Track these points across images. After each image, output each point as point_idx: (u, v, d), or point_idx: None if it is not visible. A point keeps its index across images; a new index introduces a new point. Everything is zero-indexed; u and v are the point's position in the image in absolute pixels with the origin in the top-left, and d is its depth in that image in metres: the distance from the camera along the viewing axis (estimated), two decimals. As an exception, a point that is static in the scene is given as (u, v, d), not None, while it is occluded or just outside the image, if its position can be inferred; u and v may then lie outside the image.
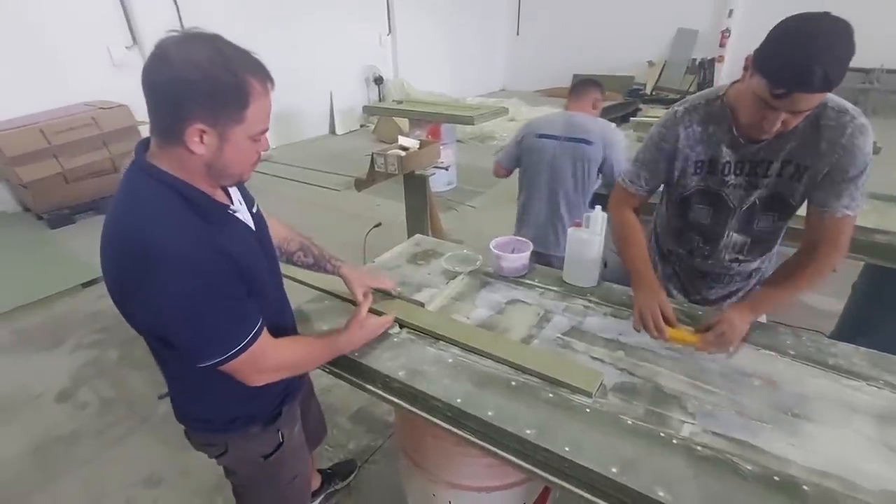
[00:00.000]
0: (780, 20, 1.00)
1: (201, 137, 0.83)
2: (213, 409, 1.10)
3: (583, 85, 2.26)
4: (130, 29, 5.28)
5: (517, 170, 2.34)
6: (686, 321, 1.31)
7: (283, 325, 1.16)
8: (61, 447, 2.16)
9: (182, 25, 5.76)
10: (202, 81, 0.79)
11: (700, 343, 1.18)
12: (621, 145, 2.16)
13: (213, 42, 0.81)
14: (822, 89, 0.96)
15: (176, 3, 5.55)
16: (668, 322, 1.21)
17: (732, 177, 1.27)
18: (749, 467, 0.88)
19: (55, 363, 2.70)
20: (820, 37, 0.94)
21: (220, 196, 0.98)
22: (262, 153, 0.96)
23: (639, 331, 1.25)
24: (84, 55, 4.99)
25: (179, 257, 0.83)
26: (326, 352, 1.16)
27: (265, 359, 0.99)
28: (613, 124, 2.29)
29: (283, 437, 1.20)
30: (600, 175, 2.17)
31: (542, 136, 2.17)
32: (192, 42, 0.80)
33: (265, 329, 0.99)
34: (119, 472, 2.03)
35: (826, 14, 0.97)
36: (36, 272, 3.65)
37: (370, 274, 1.44)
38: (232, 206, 0.99)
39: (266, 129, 0.90)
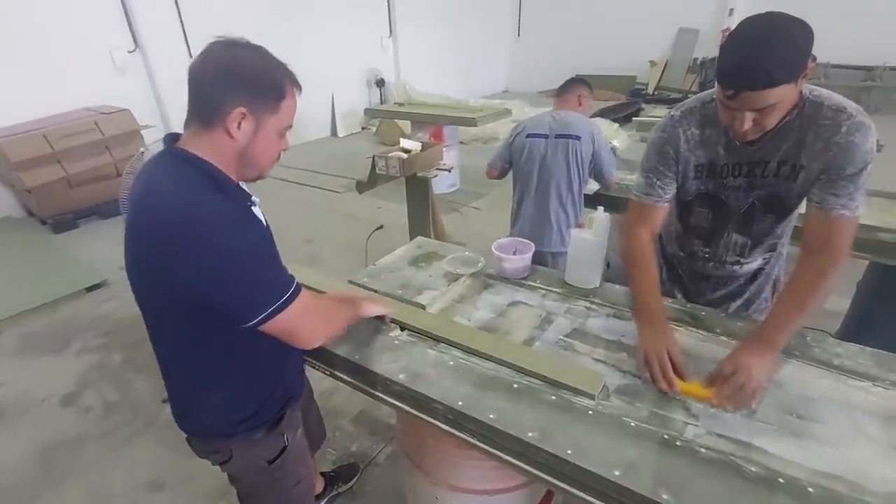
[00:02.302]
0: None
1: (240, 123, 0.92)
2: (218, 414, 1.10)
3: (568, 83, 2.34)
4: (132, 33, 5.31)
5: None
6: (688, 321, 1.31)
7: None
8: (66, 451, 2.17)
9: (184, 30, 5.76)
10: (248, 72, 0.92)
11: (716, 399, 1.02)
12: (605, 139, 2.23)
13: (256, 46, 0.96)
14: (766, 87, 0.97)
15: (178, 7, 5.57)
16: (677, 373, 1.08)
17: (732, 178, 1.25)
18: (753, 469, 0.87)
19: (60, 367, 2.71)
20: (758, 37, 0.98)
21: None
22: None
23: (644, 381, 1.10)
24: (87, 60, 5.01)
25: (227, 215, 0.91)
26: (347, 310, 1.22)
27: (315, 309, 1.04)
28: (596, 120, 2.34)
29: (287, 441, 1.19)
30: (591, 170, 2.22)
31: (531, 135, 2.22)
32: (238, 44, 0.94)
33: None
34: (123, 476, 2.03)
35: (772, 14, 0.99)
36: (40, 277, 3.66)
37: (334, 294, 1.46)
38: (254, 199, 1.05)
39: (290, 127, 1.01)
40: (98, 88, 5.05)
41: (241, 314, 0.93)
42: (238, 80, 0.91)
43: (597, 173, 2.23)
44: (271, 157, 1.02)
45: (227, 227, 0.89)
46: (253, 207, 1.04)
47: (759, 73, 0.96)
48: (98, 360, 2.75)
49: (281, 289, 0.95)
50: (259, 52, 0.95)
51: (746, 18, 1.02)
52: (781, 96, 1.00)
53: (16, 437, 2.25)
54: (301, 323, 1.00)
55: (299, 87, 1.00)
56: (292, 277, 0.99)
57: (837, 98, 1.10)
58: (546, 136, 2.18)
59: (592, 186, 2.43)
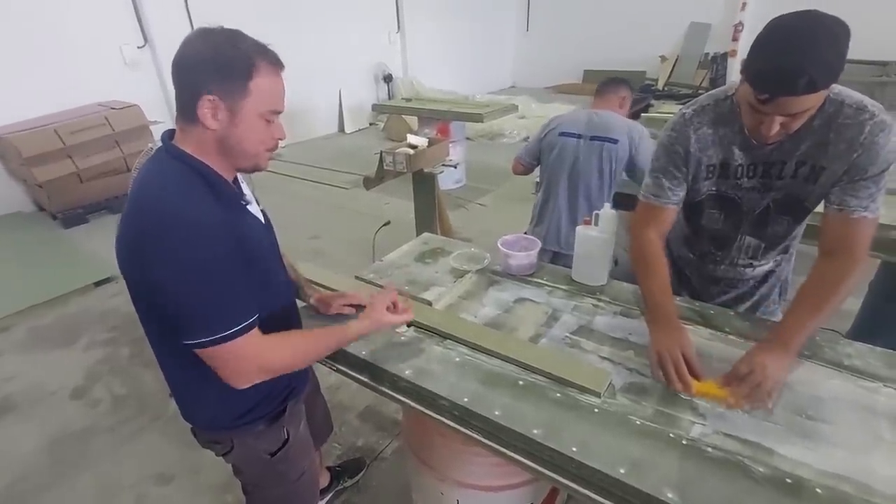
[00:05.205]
0: (768, 22, 0.97)
1: (214, 112, 0.89)
2: (218, 406, 1.10)
3: (609, 83, 2.21)
4: (142, 29, 5.33)
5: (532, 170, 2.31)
6: (697, 320, 1.30)
7: (288, 318, 1.19)
8: (75, 443, 2.20)
9: (192, 26, 5.80)
10: (210, 56, 0.87)
11: (733, 399, 1.01)
12: (648, 144, 2.07)
13: (227, 30, 0.91)
14: (806, 92, 0.92)
15: (186, 3, 5.59)
16: (692, 373, 1.05)
17: (745, 179, 1.22)
18: (761, 470, 0.87)
19: (69, 361, 2.74)
20: (801, 38, 0.91)
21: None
22: (280, 143, 1.00)
23: (659, 381, 1.08)
24: (97, 56, 5.04)
25: (194, 225, 0.87)
26: (330, 342, 1.11)
27: (250, 359, 0.95)
28: (639, 124, 2.20)
29: (288, 435, 1.20)
30: (625, 174, 2.11)
31: (564, 133, 2.11)
32: (208, 30, 0.90)
33: (256, 329, 0.96)
34: (131, 468, 2.06)
35: (811, 13, 0.93)
36: (50, 271, 3.70)
37: (338, 296, 1.39)
38: (246, 199, 1.03)
39: (278, 111, 0.95)
40: (108, 84, 5.08)
41: (180, 330, 0.90)
42: (202, 66, 0.87)
43: (638, 179, 2.04)
44: (259, 145, 0.96)
45: (193, 243, 0.85)
46: (248, 206, 1.03)
47: (801, 78, 0.90)
48: (106, 355, 2.78)
49: (222, 323, 0.89)
50: (227, 35, 0.90)
51: (783, 16, 0.95)
52: (818, 101, 0.97)
53: (28, 429, 2.28)
54: (229, 365, 0.94)
55: (278, 65, 0.93)
56: (247, 313, 0.93)
57: (857, 95, 1.07)
58: (580, 136, 2.07)
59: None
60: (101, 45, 5.07)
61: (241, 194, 1.03)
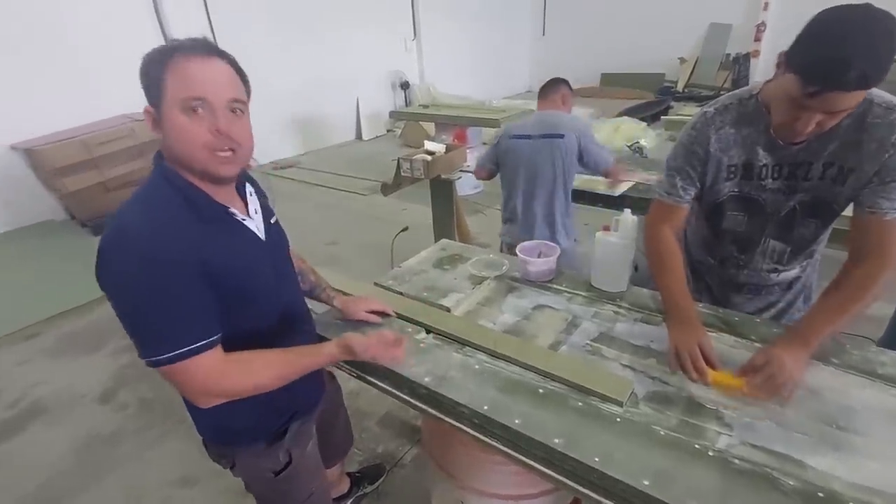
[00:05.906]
0: (817, 13, 0.94)
1: (154, 123, 0.89)
2: (216, 420, 1.06)
3: (550, 84, 2.37)
4: (165, 41, 5.47)
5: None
6: (721, 327, 1.27)
7: (288, 334, 1.11)
8: (103, 447, 2.25)
9: (214, 37, 5.87)
10: (140, 68, 0.88)
11: (747, 388, 1.03)
12: (591, 132, 2.24)
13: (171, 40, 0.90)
14: (858, 88, 0.90)
15: (208, 16, 5.72)
16: (709, 364, 1.08)
17: (770, 181, 1.19)
18: (790, 482, 0.84)
19: (97, 366, 2.81)
20: (857, 31, 0.88)
21: (233, 204, 1.00)
22: (223, 135, 0.88)
23: (675, 372, 1.11)
24: (122, 68, 5.17)
25: (145, 246, 0.84)
26: (299, 365, 1.05)
27: (204, 380, 0.92)
28: (580, 116, 2.33)
29: (290, 457, 1.17)
30: (582, 165, 2.23)
31: (516, 136, 2.24)
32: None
33: (215, 349, 0.93)
34: (157, 471, 2.10)
35: (866, 6, 0.90)
36: (79, 278, 3.79)
37: (363, 301, 1.39)
38: (234, 211, 0.98)
39: (196, 97, 0.85)
40: (133, 94, 5.12)
41: (135, 346, 0.91)
42: (140, 79, 0.88)
43: (591, 167, 2.23)
44: (191, 145, 0.87)
45: (138, 263, 0.84)
46: (245, 221, 1.00)
47: (854, 73, 0.87)
48: (132, 359, 2.83)
49: (168, 343, 0.87)
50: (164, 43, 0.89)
51: (834, 8, 0.92)
52: (860, 99, 0.94)
53: (57, 433, 2.35)
54: (185, 385, 0.92)
55: (195, 50, 0.87)
56: (202, 334, 0.90)
57: (887, 95, 1.04)
58: (530, 137, 2.20)
59: (622, 187, 2.41)
60: (126, 57, 5.18)
61: (226, 207, 0.97)
